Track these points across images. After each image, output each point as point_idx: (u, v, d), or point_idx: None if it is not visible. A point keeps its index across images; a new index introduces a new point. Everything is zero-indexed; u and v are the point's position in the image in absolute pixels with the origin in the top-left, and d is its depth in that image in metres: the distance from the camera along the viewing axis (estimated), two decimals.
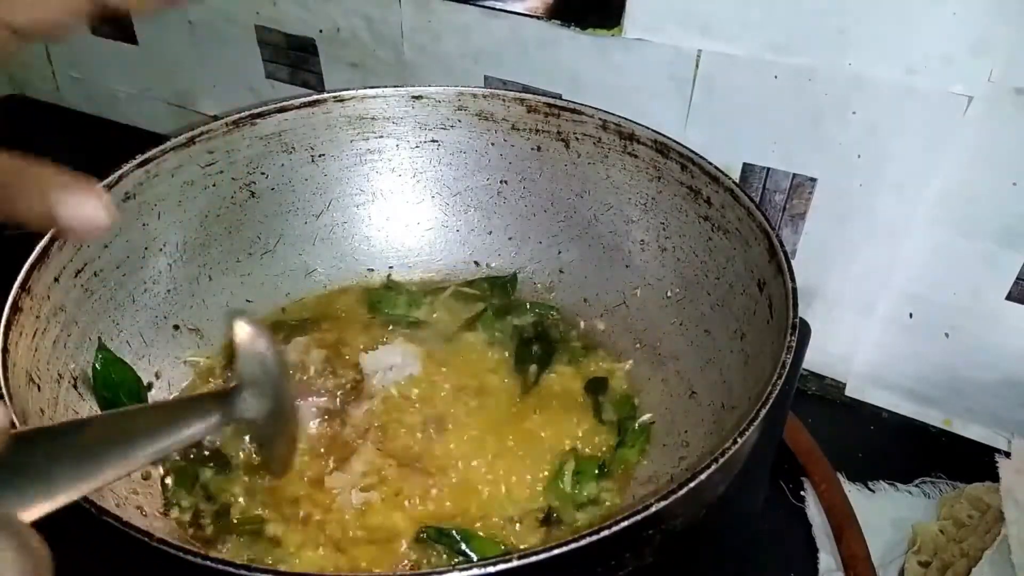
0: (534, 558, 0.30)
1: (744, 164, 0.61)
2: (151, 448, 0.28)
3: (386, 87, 0.60)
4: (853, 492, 0.57)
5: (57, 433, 0.27)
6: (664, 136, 0.54)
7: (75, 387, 0.46)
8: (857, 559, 0.51)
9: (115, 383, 0.49)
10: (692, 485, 0.33)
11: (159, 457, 0.33)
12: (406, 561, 0.45)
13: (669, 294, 0.56)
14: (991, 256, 0.56)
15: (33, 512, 0.22)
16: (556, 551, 0.30)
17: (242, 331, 0.34)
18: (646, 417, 0.53)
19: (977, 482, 0.56)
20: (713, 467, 0.34)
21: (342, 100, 0.59)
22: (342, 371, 0.55)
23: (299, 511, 0.47)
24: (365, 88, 0.60)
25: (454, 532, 0.46)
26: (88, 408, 0.47)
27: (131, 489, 0.45)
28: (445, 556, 0.46)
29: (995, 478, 0.54)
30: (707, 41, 0.57)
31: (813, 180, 0.59)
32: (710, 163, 0.52)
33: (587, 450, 0.52)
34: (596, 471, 0.50)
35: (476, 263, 0.64)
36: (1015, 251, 0.55)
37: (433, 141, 0.62)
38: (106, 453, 0.26)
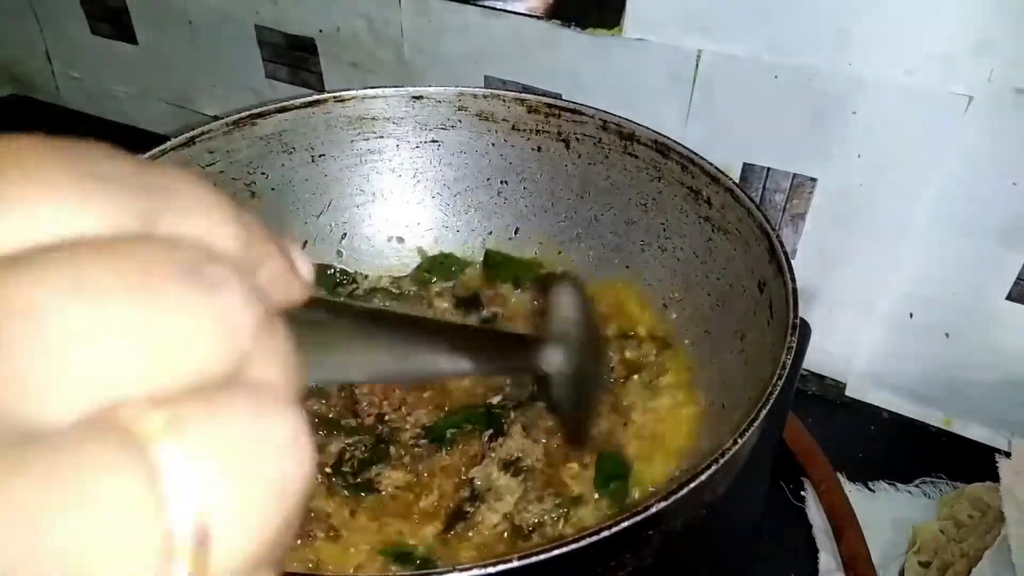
0: (534, 558, 0.30)
1: (744, 164, 0.61)
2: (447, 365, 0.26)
3: (386, 87, 0.60)
4: (853, 492, 0.57)
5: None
6: (664, 136, 0.54)
7: None
8: (857, 559, 0.51)
9: None
10: (692, 485, 0.33)
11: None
12: None
13: (669, 294, 0.56)
14: (991, 256, 0.56)
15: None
16: (556, 551, 0.30)
17: (559, 292, 0.34)
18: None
19: (977, 482, 0.56)
20: (713, 467, 0.34)
21: (342, 100, 0.59)
22: None
23: None
24: (365, 88, 0.60)
25: None
26: None
27: None
28: None
29: (995, 478, 0.54)
30: (707, 41, 0.57)
31: (813, 180, 0.59)
32: (710, 163, 0.52)
33: None
34: None
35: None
36: (1015, 251, 0.55)
37: (433, 141, 0.62)
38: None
